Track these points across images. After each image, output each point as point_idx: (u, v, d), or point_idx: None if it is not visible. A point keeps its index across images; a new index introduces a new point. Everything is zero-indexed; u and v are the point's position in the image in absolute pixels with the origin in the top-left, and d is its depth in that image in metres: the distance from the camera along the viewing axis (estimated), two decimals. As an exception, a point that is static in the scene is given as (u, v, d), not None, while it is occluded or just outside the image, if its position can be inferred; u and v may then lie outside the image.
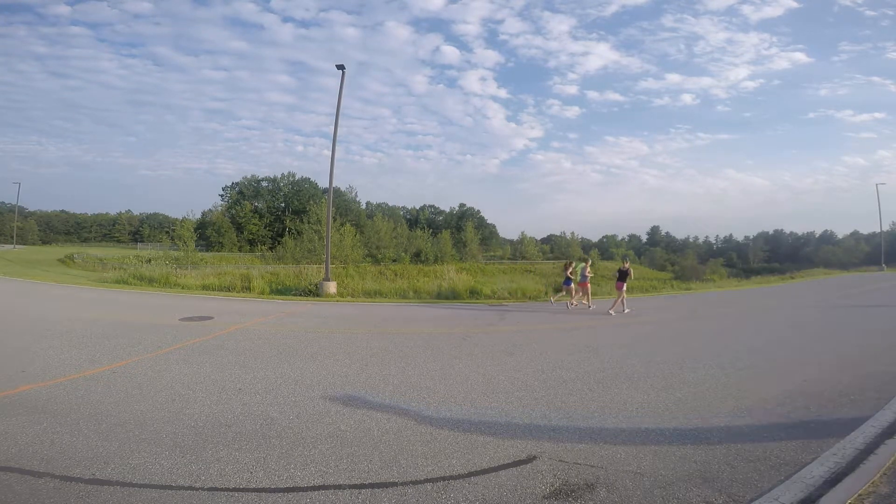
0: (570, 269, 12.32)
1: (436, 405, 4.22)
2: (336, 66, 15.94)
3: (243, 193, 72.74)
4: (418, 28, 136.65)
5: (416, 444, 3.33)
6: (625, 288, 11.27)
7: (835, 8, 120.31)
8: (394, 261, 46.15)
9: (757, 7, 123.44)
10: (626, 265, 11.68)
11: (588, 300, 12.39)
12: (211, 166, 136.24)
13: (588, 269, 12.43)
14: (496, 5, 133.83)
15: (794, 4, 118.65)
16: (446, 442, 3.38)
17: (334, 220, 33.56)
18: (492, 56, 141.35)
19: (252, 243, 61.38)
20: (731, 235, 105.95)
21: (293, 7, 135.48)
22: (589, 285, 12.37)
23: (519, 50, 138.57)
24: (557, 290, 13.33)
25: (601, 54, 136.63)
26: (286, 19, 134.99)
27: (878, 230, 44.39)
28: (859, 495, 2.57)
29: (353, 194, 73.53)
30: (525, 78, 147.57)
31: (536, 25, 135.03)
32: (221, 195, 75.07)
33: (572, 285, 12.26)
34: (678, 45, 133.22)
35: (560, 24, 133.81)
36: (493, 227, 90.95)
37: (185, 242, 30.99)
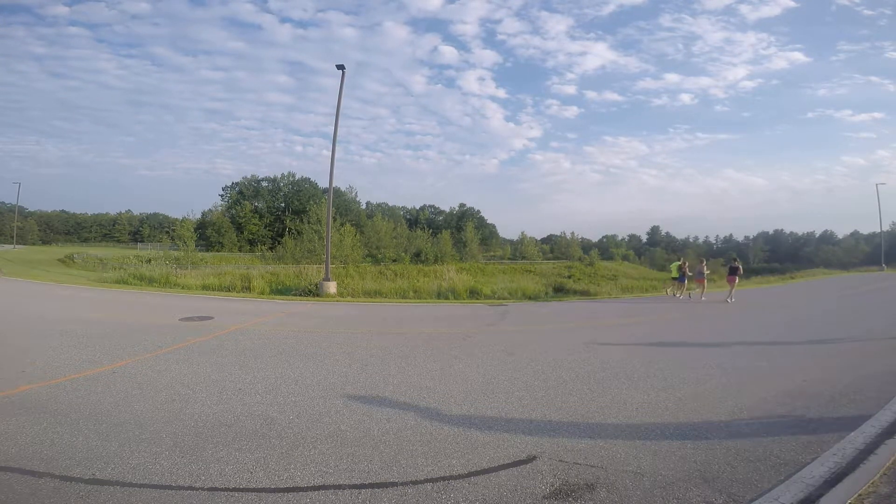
0: (686, 268, 15.22)
1: (436, 405, 4.22)
2: (336, 66, 15.95)
3: (243, 193, 72.69)
4: (416, 28, 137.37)
5: (416, 444, 3.33)
6: (736, 280, 14.13)
7: (832, 7, 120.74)
8: (394, 261, 46.10)
9: (755, 6, 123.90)
10: (737, 263, 14.58)
11: (703, 292, 14.73)
12: (210, 166, 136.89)
13: (705, 267, 15.07)
14: (494, 5, 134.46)
15: (792, 4, 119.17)
16: (446, 442, 3.38)
17: (334, 220, 33.55)
18: (490, 56, 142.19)
19: (252, 243, 61.27)
20: (731, 235, 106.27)
21: (291, 7, 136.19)
22: (706, 281, 14.88)
23: (517, 50, 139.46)
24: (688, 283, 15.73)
25: (599, 54, 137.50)
26: (284, 20, 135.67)
27: (878, 230, 44.42)
28: (859, 495, 2.57)
29: (353, 194, 73.69)
30: (523, 78, 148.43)
31: (534, 25, 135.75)
32: (221, 195, 75.10)
33: (686, 281, 15.17)
34: (676, 45, 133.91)
35: (558, 24, 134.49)
36: (493, 227, 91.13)
37: (185, 242, 30.95)
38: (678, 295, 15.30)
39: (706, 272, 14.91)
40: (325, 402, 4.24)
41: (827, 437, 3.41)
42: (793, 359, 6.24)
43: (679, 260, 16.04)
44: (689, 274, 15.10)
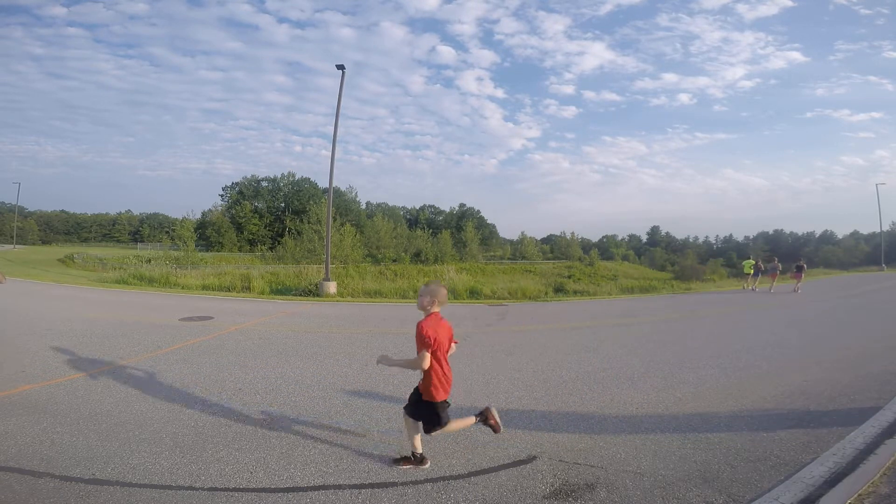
0: (758, 266, 18.53)
1: (436, 405, 4.22)
2: (336, 66, 15.94)
3: (243, 193, 72.71)
4: (413, 28, 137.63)
5: (416, 444, 3.32)
6: (801, 276, 17.49)
7: (830, 6, 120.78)
8: (394, 261, 46.05)
9: (752, 6, 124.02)
10: (802, 263, 18.09)
11: (772, 286, 17.74)
12: (209, 166, 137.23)
13: (777, 265, 18.47)
14: (491, 5, 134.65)
15: (789, 3, 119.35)
16: (446, 442, 3.38)
17: (334, 220, 33.55)
18: (488, 56, 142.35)
19: (252, 243, 61.32)
20: (730, 235, 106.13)
21: (288, 8, 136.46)
22: (777, 275, 18.16)
23: (515, 50, 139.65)
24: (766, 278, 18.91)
25: (597, 54, 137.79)
26: (281, 20, 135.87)
27: (878, 230, 44.45)
28: (859, 495, 2.57)
29: (353, 194, 73.58)
30: (521, 78, 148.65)
31: (532, 25, 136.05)
32: (221, 195, 75.16)
33: (759, 276, 18.51)
34: (674, 45, 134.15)
35: (555, 24, 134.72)
36: (493, 227, 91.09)
37: (185, 242, 30.93)
38: (755, 288, 18.17)
39: (779, 268, 18.43)
40: (325, 402, 4.24)
41: (827, 437, 3.42)
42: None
43: (751, 259, 19.43)
44: (762, 269, 18.49)
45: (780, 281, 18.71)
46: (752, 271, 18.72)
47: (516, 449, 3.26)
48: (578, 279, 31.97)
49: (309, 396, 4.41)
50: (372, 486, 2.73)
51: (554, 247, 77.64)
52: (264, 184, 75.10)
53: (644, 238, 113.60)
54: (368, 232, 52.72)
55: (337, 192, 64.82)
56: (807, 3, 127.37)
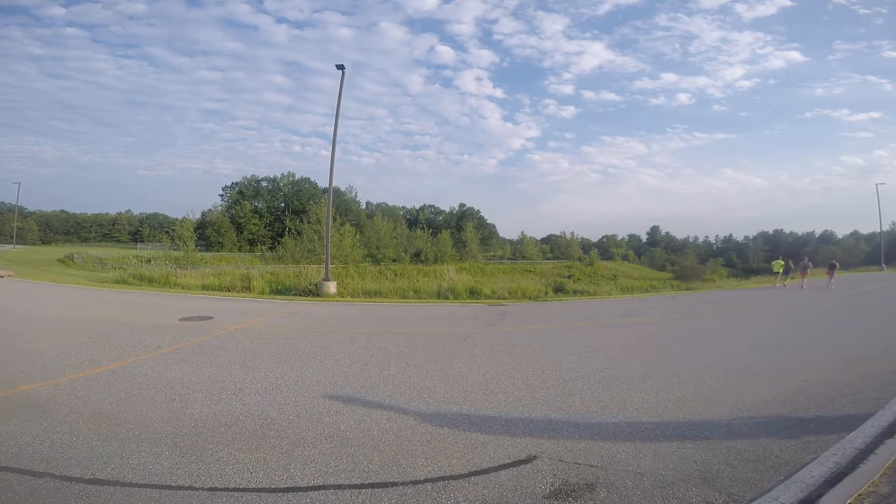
0: (788, 265, 20.75)
1: (436, 405, 4.22)
2: (336, 66, 15.95)
3: (243, 193, 72.66)
4: (412, 28, 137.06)
5: (416, 444, 3.33)
6: (834, 274, 19.93)
7: (828, 6, 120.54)
8: (394, 261, 46.05)
9: (750, 6, 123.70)
10: (834, 262, 21.15)
11: (803, 282, 19.47)
12: (209, 166, 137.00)
13: (808, 264, 20.29)
14: (490, 5, 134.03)
15: (788, 3, 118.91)
16: (446, 442, 3.38)
17: (334, 220, 33.51)
18: (487, 56, 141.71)
19: (252, 243, 61.30)
20: (730, 235, 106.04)
21: (287, 8, 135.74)
22: (807, 273, 19.86)
23: (514, 50, 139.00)
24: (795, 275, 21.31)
25: (596, 53, 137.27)
26: (280, 20, 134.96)
27: (877, 230, 44.45)
28: (859, 495, 2.57)
29: (353, 194, 73.56)
30: (520, 78, 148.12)
31: (530, 25, 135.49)
32: (221, 195, 75.13)
33: (790, 274, 20.74)
34: (672, 45, 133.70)
35: (554, 24, 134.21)
36: (493, 226, 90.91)
37: (184, 242, 30.88)
38: (784, 285, 20.07)
39: (810, 266, 20.27)
40: (325, 402, 4.24)
41: (827, 437, 3.42)
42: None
43: (780, 259, 21.76)
44: (793, 268, 20.68)
45: (808, 278, 20.24)
46: (781, 270, 20.77)
47: (516, 449, 3.26)
48: (578, 279, 31.97)
49: (309, 396, 4.40)
50: (372, 486, 2.72)
51: (554, 247, 77.56)
52: (264, 184, 75.08)
53: (644, 238, 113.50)
54: (368, 232, 52.69)
55: (337, 192, 64.80)
56: (805, 3, 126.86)
